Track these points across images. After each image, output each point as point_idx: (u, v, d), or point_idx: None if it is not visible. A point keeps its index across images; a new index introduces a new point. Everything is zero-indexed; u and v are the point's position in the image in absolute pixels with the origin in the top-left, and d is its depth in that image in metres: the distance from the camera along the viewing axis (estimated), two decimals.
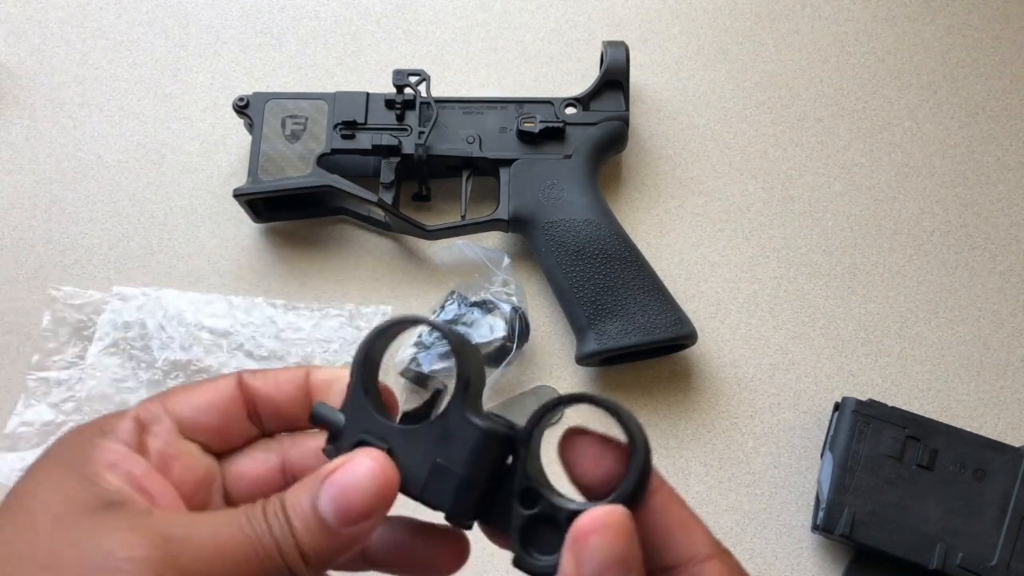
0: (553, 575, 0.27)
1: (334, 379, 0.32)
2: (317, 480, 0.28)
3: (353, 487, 0.27)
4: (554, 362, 0.63)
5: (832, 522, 0.55)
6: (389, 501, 0.28)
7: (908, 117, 0.70)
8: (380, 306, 0.64)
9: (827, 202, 0.68)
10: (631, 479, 0.27)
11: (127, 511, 0.26)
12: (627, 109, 0.65)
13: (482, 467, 0.28)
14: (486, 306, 0.61)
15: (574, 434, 0.29)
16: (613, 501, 0.27)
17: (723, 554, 0.28)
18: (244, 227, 0.67)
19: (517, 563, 0.28)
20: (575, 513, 0.26)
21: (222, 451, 0.32)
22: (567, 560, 0.26)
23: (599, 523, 0.25)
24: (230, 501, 0.32)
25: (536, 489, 0.28)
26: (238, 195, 0.62)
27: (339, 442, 0.29)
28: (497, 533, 0.29)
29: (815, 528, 0.57)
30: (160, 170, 0.69)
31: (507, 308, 0.61)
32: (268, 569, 0.27)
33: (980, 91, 0.71)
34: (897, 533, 0.55)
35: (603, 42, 0.66)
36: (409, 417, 0.30)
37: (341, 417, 0.29)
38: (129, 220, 0.68)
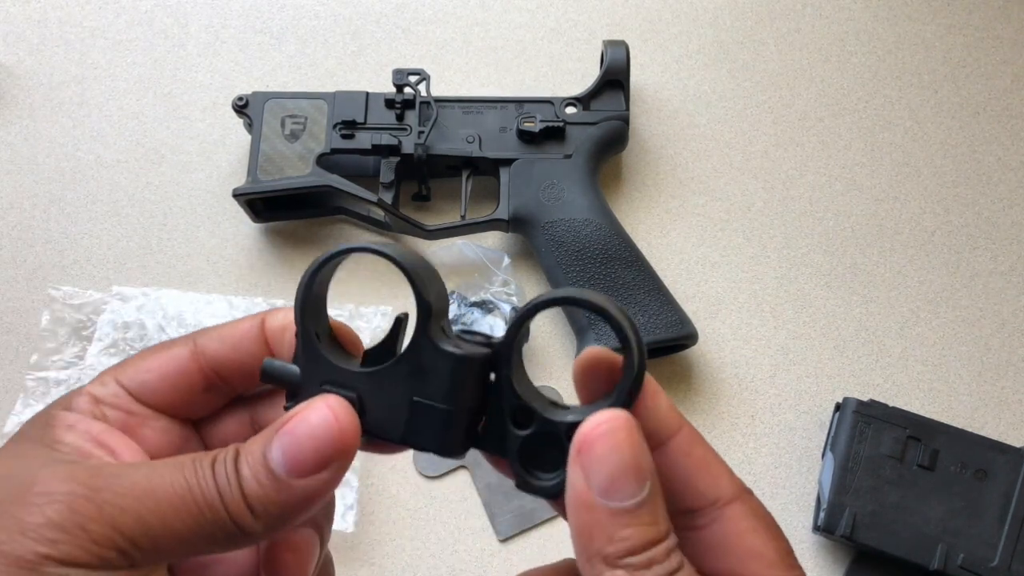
0: (561, 493, 0.25)
1: (288, 325, 0.29)
2: (271, 430, 0.26)
3: (306, 436, 0.25)
4: (554, 362, 0.63)
5: (833, 523, 0.55)
6: (347, 451, 0.26)
7: (909, 117, 0.70)
8: (380, 306, 0.64)
9: (828, 202, 0.67)
10: (627, 380, 0.25)
11: (69, 462, 0.26)
12: (627, 109, 0.65)
13: (464, 396, 0.26)
14: (486, 306, 0.61)
15: (589, 357, 0.27)
16: (612, 405, 0.25)
17: (745, 494, 0.27)
18: (243, 227, 0.67)
19: (522, 486, 0.26)
20: (574, 425, 0.25)
21: (196, 418, 0.31)
22: (575, 474, 0.24)
23: (603, 428, 0.24)
24: None
25: (527, 406, 0.26)
26: (237, 195, 0.62)
27: (298, 398, 0.27)
28: (496, 457, 0.28)
29: (816, 529, 0.57)
30: (159, 170, 0.69)
31: (507, 308, 0.61)
32: (208, 518, 0.25)
33: (981, 91, 0.70)
34: (898, 534, 0.55)
35: (603, 41, 0.66)
36: (374, 356, 0.27)
37: (295, 370, 0.27)
38: (128, 220, 0.68)
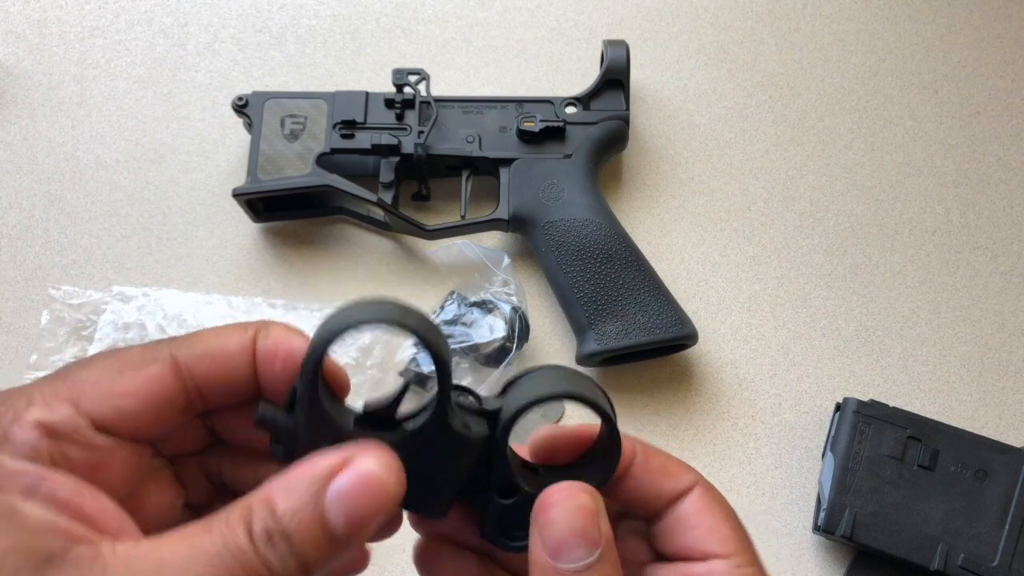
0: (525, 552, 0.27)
1: (280, 351, 0.27)
2: (314, 484, 0.23)
3: (366, 489, 0.24)
4: (554, 362, 0.63)
5: (833, 523, 0.55)
6: (399, 500, 0.25)
7: (909, 116, 0.70)
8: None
9: (828, 201, 0.67)
10: (608, 464, 0.28)
11: (70, 565, 0.21)
12: (627, 108, 0.65)
13: (464, 471, 0.28)
14: (486, 306, 0.61)
15: (544, 440, 0.30)
16: (590, 481, 0.27)
17: (701, 480, 0.30)
18: (243, 227, 0.67)
19: (493, 541, 0.29)
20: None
21: (160, 438, 0.27)
22: (533, 536, 0.26)
23: (556, 498, 0.26)
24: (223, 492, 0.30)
25: (515, 482, 0.29)
26: (237, 195, 0.62)
27: (294, 454, 0.26)
28: (468, 513, 0.30)
29: (816, 529, 0.57)
30: (159, 170, 0.69)
31: (507, 308, 0.61)
32: None
33: (981, 90, 0.70)
34: (898, 534, 0.55)
35: (603, 41, 0.66)
36: (373, 415, 0.28)
37: (292, 424, 0.27)
38: (128, 220, 0.67)
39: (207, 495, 0.31)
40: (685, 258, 0.66)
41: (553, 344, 0.64)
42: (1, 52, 0.72)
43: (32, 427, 0.23)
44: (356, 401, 0.28)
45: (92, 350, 0.62)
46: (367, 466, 0.24)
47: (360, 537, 0.24)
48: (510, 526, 0.29)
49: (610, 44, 0.65)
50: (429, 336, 0.26)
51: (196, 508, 0.31)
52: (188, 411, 0.27)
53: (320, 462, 0.24)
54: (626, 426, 0.58)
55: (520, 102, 0.65)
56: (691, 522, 0.29)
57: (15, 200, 0.68)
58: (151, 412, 0.26)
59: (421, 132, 0.63)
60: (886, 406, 0.57)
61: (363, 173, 0.66)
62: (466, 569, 0.31)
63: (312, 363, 0.26)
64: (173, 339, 0.27)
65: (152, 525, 0.26)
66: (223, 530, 0.22)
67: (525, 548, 0.27)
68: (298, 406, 0.26)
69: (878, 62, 0.71)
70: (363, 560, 0.31)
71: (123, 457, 0.25)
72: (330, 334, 0.25)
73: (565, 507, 0.26)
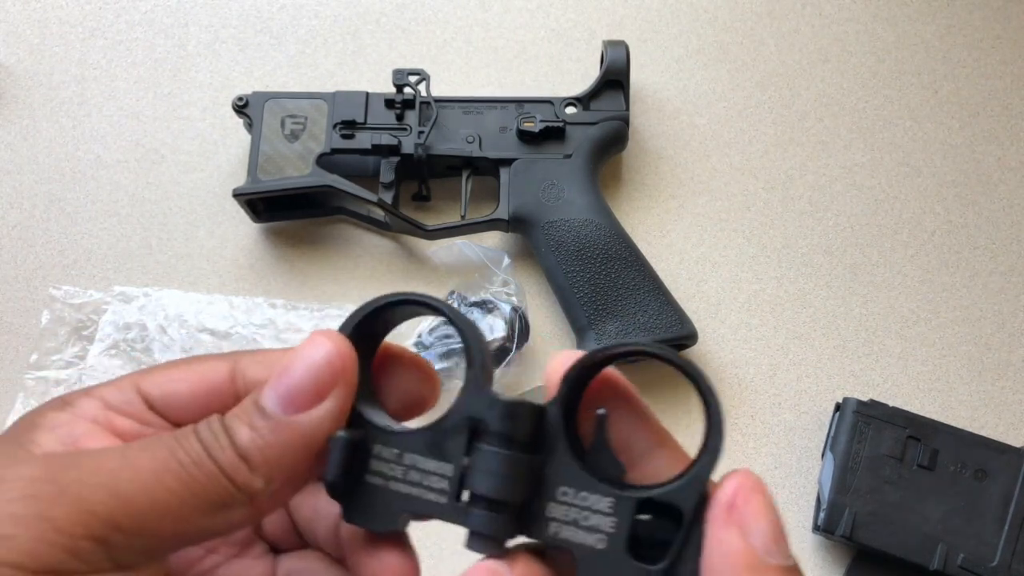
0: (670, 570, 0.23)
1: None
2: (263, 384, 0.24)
3: (302, 368, 0.23)
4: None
5: (833, 523, 0.55)
6: (348, 375, 0.24)
7: (909, 116, 0.70)
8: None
9: (828, 202, 0.67)
10: (710, 455, 0.24)
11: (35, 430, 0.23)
12: (627, 109, 0.65)
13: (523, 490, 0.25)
14: (486, 306, 0.61)
15: (624, 400, 0.26)
16: (699, 472, 0.24)
17: (670, 440, 0.27)
18: (243, 227, 0.67)
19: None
20: (670, 495, 0.23)
21: None
22: (726, 535, 0.22)
23: (751, 484, 0.22)
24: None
25: (621, 483, 0.25)
26: (238, 195, 0.62)
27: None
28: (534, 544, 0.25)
29: (816, 529, 0.57)
30: (159, 170, 0.69)
31: (507, 308, 0.61)
32: (198, 480, 0.22)
33: (981, 91, 0.70)
34: (898, 534, 0.55)
35: (603, 41, 0.66)
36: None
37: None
38: (128, 220, 0.68)
39: (292, 541, 0.29)
40: (685, 258, 0.66)
41: (553, 344, 0.64)
42: (2, 52, 0.72)
43: (94, 398, 0.25)
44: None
45: (93, 350, 0.62)
46: (310, 343, 0.24)
47: (302, 411, 0.23)
48: (646, 544, 0.24)
49: (610, 44, 0.65)
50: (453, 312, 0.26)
51: (278, 550, 0.29)
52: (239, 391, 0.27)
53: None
54: None
55: (520, 102, 0.65)
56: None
57: (16, 200, 0.68)
58: (199, 400, 0.25)
59: (421, 132, 0.63)
60: (886, 406, 0.57)
61: (363, 173, 0.66)
62: None
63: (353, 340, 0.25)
64: (240, 351, 0.27)
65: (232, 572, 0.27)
66: (178, 430, 0.23)
67: (668, 568, 0.23)
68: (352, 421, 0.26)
69: (877, 63, 0.72)
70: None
71: None
72: (376, 307, 0.25)
73: (764, 497, 0.22)
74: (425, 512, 0.25)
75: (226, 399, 0.26)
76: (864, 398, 0.58)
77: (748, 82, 0.71)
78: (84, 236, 0.67)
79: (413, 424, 0.26)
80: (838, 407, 0.59)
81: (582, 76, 0.71)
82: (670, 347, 0.24)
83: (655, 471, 0.26)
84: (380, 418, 0.26)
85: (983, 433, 0.58)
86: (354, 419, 0.25)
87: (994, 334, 0.64)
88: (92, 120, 0.70)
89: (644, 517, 0.24)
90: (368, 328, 0.26)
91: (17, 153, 0.69)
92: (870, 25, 0.73)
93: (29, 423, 0.24)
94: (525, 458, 0.24)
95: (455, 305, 0.61)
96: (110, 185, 0.68)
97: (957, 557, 0.54)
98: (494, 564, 0.23)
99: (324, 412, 0.23)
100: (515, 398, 0.25)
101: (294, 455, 0.23)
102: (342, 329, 0.25)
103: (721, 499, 0.22)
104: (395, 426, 0.26)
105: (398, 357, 0.27)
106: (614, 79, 0.65)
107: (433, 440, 0.25)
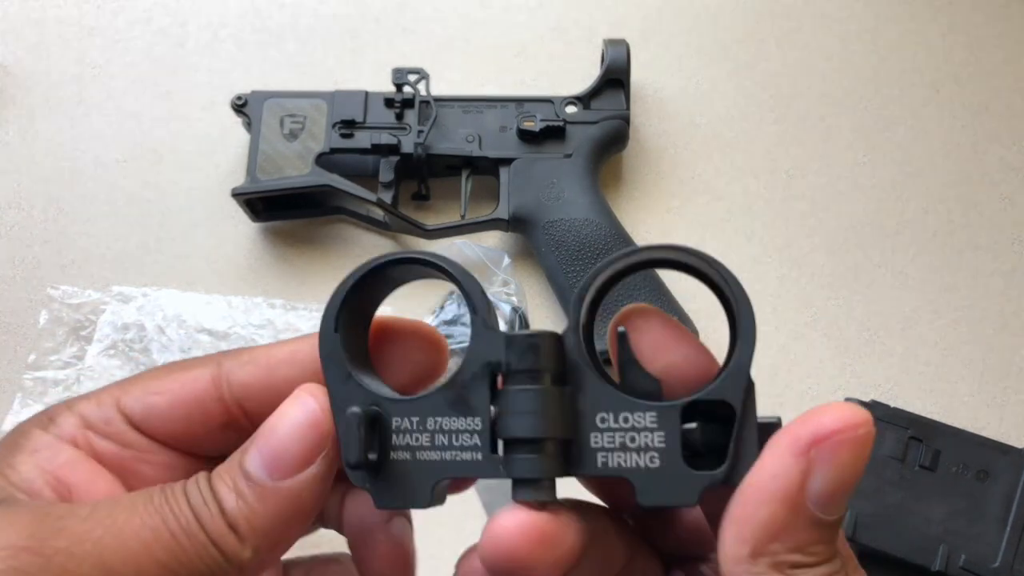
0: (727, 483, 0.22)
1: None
2: (249, 441, 0.22)
3: (286, 431, 0.22)
4: None
5: None
6: (326, 436, 0.23)
7: (911, 116, 0.70)
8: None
9: (829, 202, 0.67)
10: (746, 336, 0.23)
11: (11, 502, 0.21)
12: (628, 108, 0.65)
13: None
14: None
15: (638, 314, 0.24)
16: (739, 362, 0.23)
17: (696, 343, 0.25)
18: (242, 226, 0.67)
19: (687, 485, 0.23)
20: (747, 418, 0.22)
21: (210, 455, 0.26)
22: (789, 464, 0.20)
23: (859, 432, 0.20)
24: None
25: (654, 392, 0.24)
26: (237, 194, 0.62)
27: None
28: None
29: None
30: (158, 169, 0.69)
31: (507, 308, 0.61)
32: (187, 548, 0.21)
33: (983, 90, 0.70)
34: (900, 535, 0.54)
35: (604, 40, 0.66)
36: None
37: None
38: (127, 219, 0.67)
39: None
40: None
41: None
42: (0, 51, 0.72)
43: (75, 416, 0.24)
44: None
45: (91, 351, 0.61)
46: (292, 401, 0.23)
47: (289, 477, 0.22)
48: (700, 451, 0.23)
49: (610, 43, 0.65)
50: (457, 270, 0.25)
51: None
52: (230, 426, 0.25)
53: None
54: None
55: (520, 101, 0.65)
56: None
57: (14, 200, 0.68)
58: (181, 413, 0.24)
59: (421, 132, 0.63)
60: (887, 407, 0.57)
61: (363, 173, 0.65)
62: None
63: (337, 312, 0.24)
64: (227, 351, 0.25)
65: None
66: (165, 485, 0.22)
67: (724, 475, 0.22)
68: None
69: (879, 62, 0.71)
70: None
71: (161, 463, 0.25)
72: (361, 274, 0.24)
73: (859, 448, 0.20)
74: (463, 473, 0.24)
75: (210, 409, 0.24)
76: (865, 399, 0.58)
77: (749, 81, 0.71)
78: (82, 236, 0.67)
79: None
80: None
81: (582, 75, 0.70)
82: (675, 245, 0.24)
83: (688, 378, 0.24)
84: (389, 393, 0.25)
85: (985, 434, 0.58)
86: (362, 395, 0.24)
87: (996, 334, 0.63)
88: (90, 119, 0.70)
89: (692, 425, 0.23)
90: (360, 301, 0.25)
91: (15, 153, 0.69)
92: (871, 24, 0.73)
93: (12, 443, 0.24)
94: (556, 390, 0.23)
95: (455, 306, 0.61)
96: (108, 185, 0.68)
97: (959, 558, 0.54)
98: (534, 516, 0.22)
99: (311, 476, 0.22)
100: (530, 330, 0.24)
101: (282, 523, 0.22)
102: (328, 312, 0.24)
103: (814, 429, 0.21)
104: (408, 396, 0.25)
105: (396, 328, 0.26)
106: (615, 78, 0.65)
107: (454, 397, 0.24)
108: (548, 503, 0.23)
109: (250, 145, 0.63)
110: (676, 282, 0.65)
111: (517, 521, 0.22)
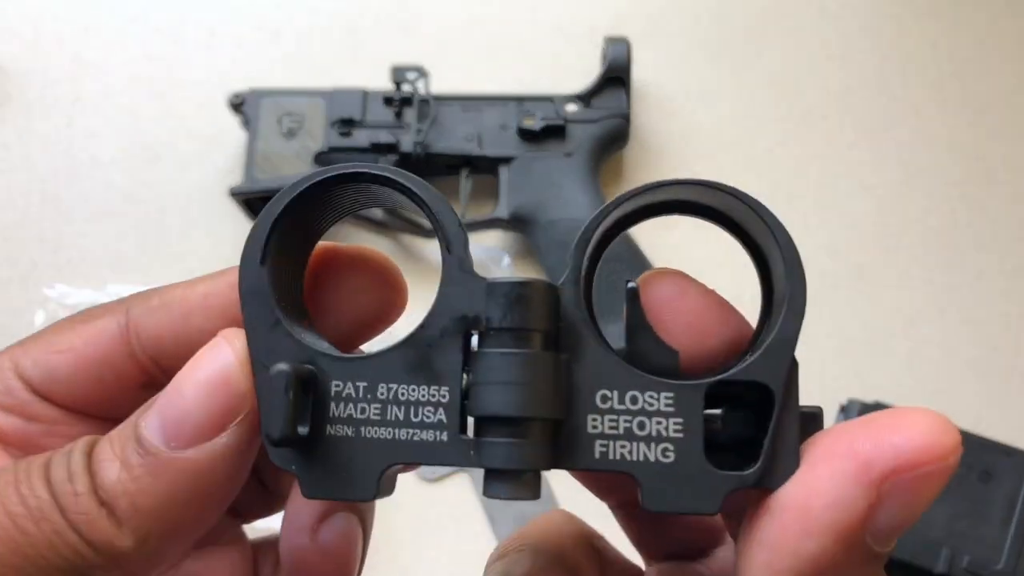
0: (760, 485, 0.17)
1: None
2: (151, 401, 0.18)
3: (192, 384, 0.17)
4: None
5: None
6: (243, 398, 0.18)
7: (914, 115, 0.69)
8: None
9: (832, 201, 0.67)
10: (795, 303, 0.18)
11: None
12: (629, 106, 0.64)
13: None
14: None
15: (655, 274, 0.20)
16: (783, 335, 0.18)
17: (726, 306, 0.22)
18: (240, 225, 0.66)
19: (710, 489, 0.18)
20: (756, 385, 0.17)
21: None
22: (853, 492, 0.16)
23: (940, 455, 0.15)
24: None
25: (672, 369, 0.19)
26: (234, 194, 0.62)
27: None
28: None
29: None
30: (155, 168, 0.68)
31: None
32: (36, 543, 0.16)
33: (987, 89, 0.70)
34: (902, 537, 0.54)
35: (605, 38, 0.66)
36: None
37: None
38: (123, 219, 0.67)
39: (260, 504, 0.25)
40: (687, 258, 0.65)
41: None
42: None
43: None
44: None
45: None
46: (209, 348, 0.18)
47: (196, 444, 0.17)
48: (725, 447, 0.19)
49: (611, 41, 0.65)
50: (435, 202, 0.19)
51: (247, 518, 0.25)
52: (152, 386, 0.20)
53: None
54: None
55: (520, 100, 0.64)
56: None
57: (10, 198, 0.67)
58: (90, 375, 0.20)
59: (420, 130, 0.63)
60: (890, 407, 0.57)
61: None
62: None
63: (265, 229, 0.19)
64: (136, 294, 0.20)
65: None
66: (27, 459, 0.17)
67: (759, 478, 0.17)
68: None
69: (882, 60, 0.71)
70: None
71: (75, 434, 0.19)
72: (302, 187, 0.19)
73: (939, 479, 0.16)
74: (421, 459, 0.19)
75: (122, 368, 0.20)
76: (869, 399, 0.57)
77: (751, 80, 0.70)
78: (79, 235, 0.66)
79: (378, 345, 0.20)
80: (843, 408, 0.58)
81: (583, 73, 0.70)
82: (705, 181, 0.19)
83: (715, 351, 0.20)
84: (328, 349, 0.20)
85: (988, 435, 0.58)
86: (292, 348, 0.19)
87: (1000, 335, 0.63)
88: (87, 118, 0.70)
89: (715, 411, 0.19)
90: (296, 227, 0.20)
91: (11, 151, 0.69)
92: (874, 23, 0.72)
93: None
94: (547, 356, 0.18)
95: None
96: (105, 184, 0.68)
97: (962, 560, 0.53)
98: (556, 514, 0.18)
99: (221, 446, 0.17)
100: (520, 277, 0.19)
101: (180, 503, 0.17)
102: (253, 237, 0.19)
103: (891, 451, 0.16)
104: (354, 353, 0.20)
105: (337, 257, 0.21)
106: (615, 76, 0.65)
107: (415, 359, 0.19)
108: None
109: (248, 144, 0.63)
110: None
111: None
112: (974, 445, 0.56)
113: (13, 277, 0.65)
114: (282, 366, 0.18)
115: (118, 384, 0.20)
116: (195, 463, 0.17)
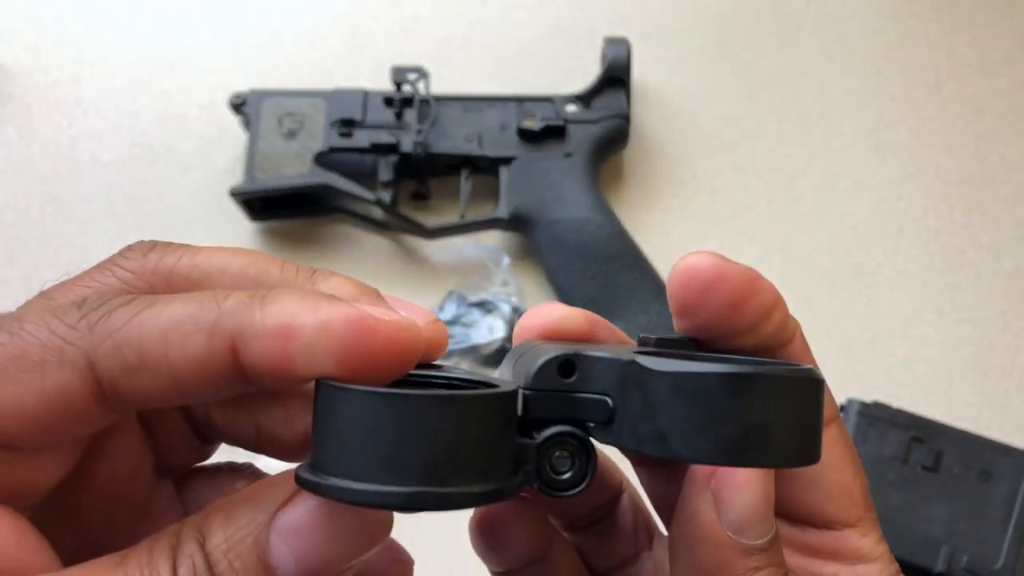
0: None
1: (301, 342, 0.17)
2: (259, 511, 0.17)
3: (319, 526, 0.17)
4: None
5: None
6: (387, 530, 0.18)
7: (913, 115, 0.69)
8: None
9: (831, 201, 0.67)
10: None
11: None
12: (629, 107, 0.64)
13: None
14: (486, 306, 0.61)
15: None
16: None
17: (836, 418, 0.23)
18: (241, 226, 0.66)
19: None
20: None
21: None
22: (699, 503, 0.20)
23: None
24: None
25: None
26: (235, 194, 0.62)
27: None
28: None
29: None
30: (156, 169, 0.68)
31: (507, 308, 0.60)
32: None
33: (985, 89, 0.70)
34: (902, 536, 0.54)
35: (604, 39, 0.66)
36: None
37: None
38: (124, 219, 0.67)
39: (191, 452, 0.24)
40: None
41: None
42: None
43: None
44: None
45: None
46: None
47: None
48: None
49: (611, 42, 0.65)
50: None
51: (174, 471, 0.24)
52: (116, 411, 0.19)
53: (274, 482, 0.18)
54: None
55: (520, 100, 0.65)
56: (821, 473, 0.22)
57: (11, 199, 0.68)
58: (47, 428, 0.18)
59: (420, 131, 0.63)
60: (889, 407, 0.57)
61: (362, 172, 0.65)
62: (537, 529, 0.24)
63: None
64: (92, 327, 0.17)
65: (107, 504, 0.21)
66: (141, 568, 0.16)
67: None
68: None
69: (881, 60, 0.71)
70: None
71: (36, 463, 0.18)
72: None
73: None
74: None
75: (89, 414, 0.18)
76: (868, 399, 0.58)
77: (751, 80, 0.70)
78: (80, 235, 0.67)
79: None
80: (842, 408, 0.58)
81: (583, 74, 0.70)
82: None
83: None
84: None
85: (988, 435, 0.58)
86: None
87: (999, 335, 0.63)
88: (88, 118, 0.70)
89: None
90: None
91: (13, 152, 0.69)
92: (873, 23, 0.72)
93: None
94: None
95: (454, 306, 0.61)
96: (106, 184, 0.68)
97: (961, 559, 0.54)
98: None
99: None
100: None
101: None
102: None
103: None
104: None
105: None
106: (615, 77, 0.65)
107: None
108: None
109: (248, 144, 0.63)
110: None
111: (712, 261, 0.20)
112: (973, 445, 0.56)
113: (13, 278, 0.65)
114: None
115: (77, 426, 0.18)
116: None
